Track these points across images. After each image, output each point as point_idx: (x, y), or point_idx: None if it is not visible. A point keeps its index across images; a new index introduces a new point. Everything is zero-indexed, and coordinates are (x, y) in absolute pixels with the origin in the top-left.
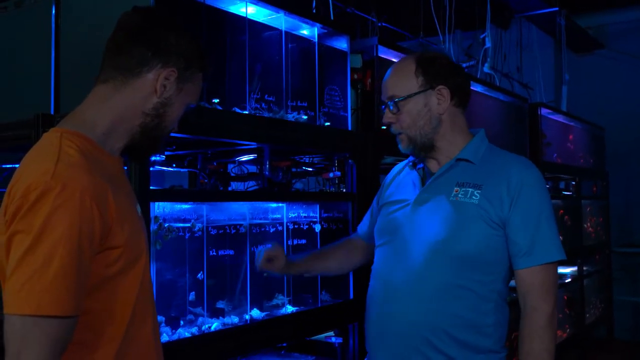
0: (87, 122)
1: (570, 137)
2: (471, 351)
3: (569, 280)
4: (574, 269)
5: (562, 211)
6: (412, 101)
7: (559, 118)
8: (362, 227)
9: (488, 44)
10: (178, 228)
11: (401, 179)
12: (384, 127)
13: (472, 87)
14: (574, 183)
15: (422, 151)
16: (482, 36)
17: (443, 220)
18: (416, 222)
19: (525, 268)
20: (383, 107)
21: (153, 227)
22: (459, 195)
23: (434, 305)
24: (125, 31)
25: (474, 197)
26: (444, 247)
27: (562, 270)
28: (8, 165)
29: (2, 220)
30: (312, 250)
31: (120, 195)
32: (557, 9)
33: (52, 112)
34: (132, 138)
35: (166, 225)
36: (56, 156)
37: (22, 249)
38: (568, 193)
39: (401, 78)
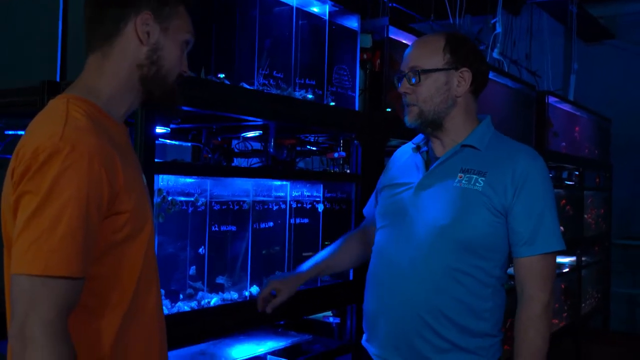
0: (92, 89)
1: (577, 127)
2: (468, 335)
3: (567, 270)
4: (573, 259)
5: (564, 201)
6: (435, 76)
7: (566, 107)
8: (370, 210)
9: (498, 29)
10: (181, 202)
11: (404, 162)
12: (389, 110)
13: None
14: (577, 173)
15: (430, 127)
16: (492, 21)
17: (446, 206)
18: (420, 206)
19: (525, 257)
20: (400, 77)
21: (156, 199)
22: (463, 182)
23: (435, 287)
24: (89, 2)
25: (477, 183)
26: (447, 232)
27: (560, 259)
28: (12, 132)
29: (10, 182)
30: (324, 252)
31: (127, 163)
32: None
33: (57, 80)
34: (140, 96)
35: (170, 198)
36: (64, 120)
37: (30, 210)
38: (571, 183)
39: (429, 51)
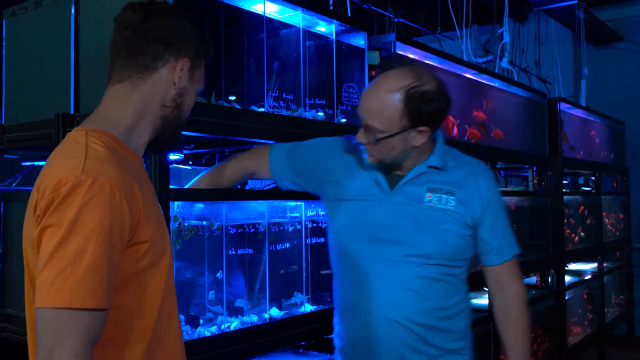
0: (110, 120)
1: (591, 132)
2: (453, 337)
3: (588, 277)
4: (594, 265)
5: (582, 207)
6: (390, 140)
7: (579, 113)
8: (279, 166)
9: (506, 39)
10: (197, 227)
11: (356, 170)
12: None
13: (490, 83)
14: (593, 179)
15: (389, 169)
16: (499, 30)
17: (420, 226)
18: (391, 224)
19: (499, 264)
20: (359, 123)
21: (173, 226)
22: (433, 201)
23: (414, 301)
24: (130, 29)
25: (449, 203)
26: (422, 248)
27: (581, 267)
28: (29, 163)
29: (32, 216)
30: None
31: (145, 192)
32: (576, 1)
33: (71, 112)
34: (154, 132)
35: (185, 224)
36: (84, 152)
37: (54, 243)
38: (587, 189)
39: (384, 112)
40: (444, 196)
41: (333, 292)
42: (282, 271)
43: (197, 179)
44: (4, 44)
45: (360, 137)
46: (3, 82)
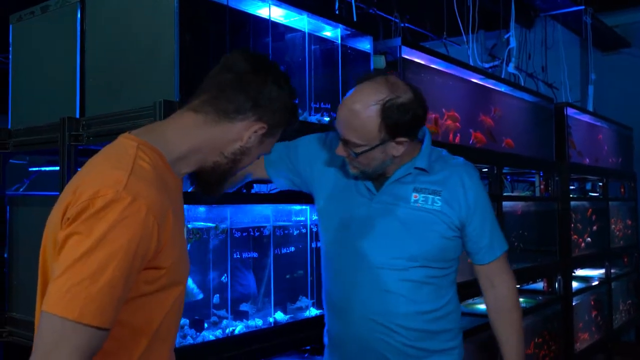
0: (166, 143)
1: (599, 137)
2: (442, 340)
3: (596, 283)
4: (602, 271)
5: (590, 211)
6: (370, 153)
7: (586, 118)
8: (274, 164)
9: (512, 44)
10: (202, 230)
11: (340, 170)
12: None
13: (497, 88)
14: (601, 184)
15: (372, 178)
16: (506, 36)
17: (406, 226)
18: (376, 226)
19: (490, 262)
20: (337, 136)
21: None
22: (419, 202)
23: (401, 304)
24: (232, 74)
25: (435, 203)
26: (408, 249)
27: (589, 273)
28: (35, 169)
29: (60, 218)
30: None
31: (177, 217)
32: (583, 7)
33: (77, 116)
34: (200, 169)
35: (190, 226)
36: (130, 167)
37: (79, 252)
38: (595, 194)
39: (361, 128)
40: (430, 196)
41: (322, 289)
42: (287, 275)
43: None
44: (10, 49)
45: (340, 151)
46: (10, 87)
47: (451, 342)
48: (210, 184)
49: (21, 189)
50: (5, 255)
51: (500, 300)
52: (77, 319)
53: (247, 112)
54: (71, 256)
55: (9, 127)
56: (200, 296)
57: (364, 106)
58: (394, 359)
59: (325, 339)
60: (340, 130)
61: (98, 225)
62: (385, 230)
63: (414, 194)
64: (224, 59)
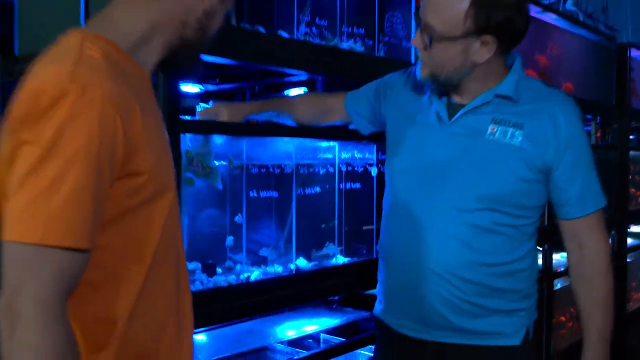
0: (116, 27)
1: None
2: (508, 300)
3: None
4: None
5: None
6: (449, 45)
7: None
8: (354, 101)
9: None
10: (212, 166)
11: (419, 98)
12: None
13: (554, 23)
14: None
15: (444, 87)
16: None
17: (480, 161)
18: (445, 161)
19: (580, 217)
20: (417, 24)
21: (184, 162)
22: (497, 134)
23: (458, 251)
24: None
25: (515, 138)
26: (480, 189)
27: None
28: None
29: (7, 130)
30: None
31: (149, 116)
32: None
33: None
34: (169, 52)
35: (194, 153)
36: (76, 58)
37: (29, 164)
38: None
39: (447, 9)
40: (511, 129)
41: (380, 234)
42: (312, 219)
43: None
44: None
45: (416, 39)
46: (16, 11)
47: (519, 303)
48: (187, 63)
49: None
50: None
51: (587, 267)
52: (41, 241)
53: None
54: (23, 171)
55: (16, 53)
56: None
57: None
58: (450, 316)
59: (379, 292)
60: (423, 10)
61: (46, 128)
62: (452, 166)
63: (491, 126)
64: None
